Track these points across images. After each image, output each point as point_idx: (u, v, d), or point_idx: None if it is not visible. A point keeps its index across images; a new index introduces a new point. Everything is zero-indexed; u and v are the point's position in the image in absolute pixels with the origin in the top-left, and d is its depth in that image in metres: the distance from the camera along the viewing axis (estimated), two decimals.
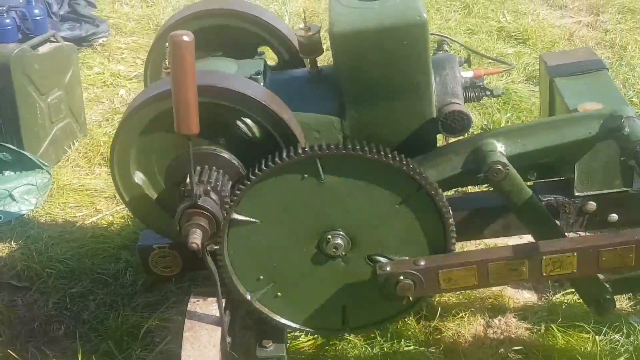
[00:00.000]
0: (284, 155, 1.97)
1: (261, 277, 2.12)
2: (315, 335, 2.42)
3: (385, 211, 2.04)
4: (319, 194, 2.01)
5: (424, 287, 2.01)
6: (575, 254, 1.98)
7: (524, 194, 2.09)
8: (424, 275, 2.00)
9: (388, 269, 2.01)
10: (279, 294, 2.14)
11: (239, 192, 1.99)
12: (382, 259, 2.06)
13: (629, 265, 2.02)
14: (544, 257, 1.98)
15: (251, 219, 2.04)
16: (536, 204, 2.13)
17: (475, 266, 1.99)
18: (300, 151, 1.97)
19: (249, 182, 1.98)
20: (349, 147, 1.97)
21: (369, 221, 2.05)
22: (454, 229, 2.06)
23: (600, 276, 2.19)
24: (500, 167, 2.03)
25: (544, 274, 2.01)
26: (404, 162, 1.98)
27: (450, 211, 2.03)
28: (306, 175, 2.00)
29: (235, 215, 2.02)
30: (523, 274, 2.00)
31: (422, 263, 2.00)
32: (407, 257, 2.04)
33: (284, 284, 2.13)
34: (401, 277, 1.99)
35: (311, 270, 2.11)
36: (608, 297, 2.22)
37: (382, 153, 1.97)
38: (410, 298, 2.03)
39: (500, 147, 2.09)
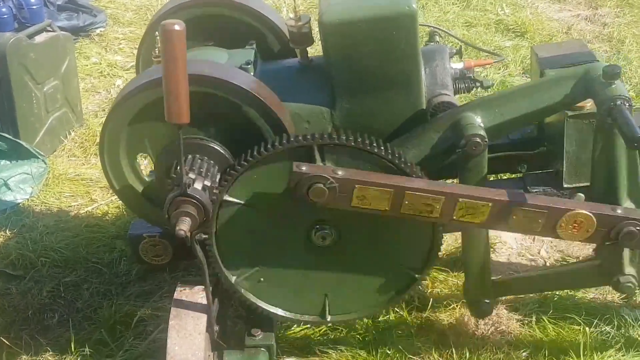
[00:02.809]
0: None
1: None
2: (301, 324, 2.42)
3: None
4: None
5: (336, 197, 1.93)
6: (490, 204, 1.96)
7: (480, 181, 2.07)
8: (340, 185, 1.92)
9: (304, 169, 1.92)
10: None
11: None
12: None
13: (535, 231, 2.01)
14: (460, 200, 1.95)
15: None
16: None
17: (393, 190, 1.94)
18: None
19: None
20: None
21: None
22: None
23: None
24: (478, 139, 2.01)
25: (454, 217, 1.98)
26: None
27: None
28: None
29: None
30: (434, 212, 1.96)
31: (340, 173, 1.92)
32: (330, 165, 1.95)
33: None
34: (316, 182, 1.91)
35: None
36: (487, 301, 2.26)
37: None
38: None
39: (478, 120, 2.07)
